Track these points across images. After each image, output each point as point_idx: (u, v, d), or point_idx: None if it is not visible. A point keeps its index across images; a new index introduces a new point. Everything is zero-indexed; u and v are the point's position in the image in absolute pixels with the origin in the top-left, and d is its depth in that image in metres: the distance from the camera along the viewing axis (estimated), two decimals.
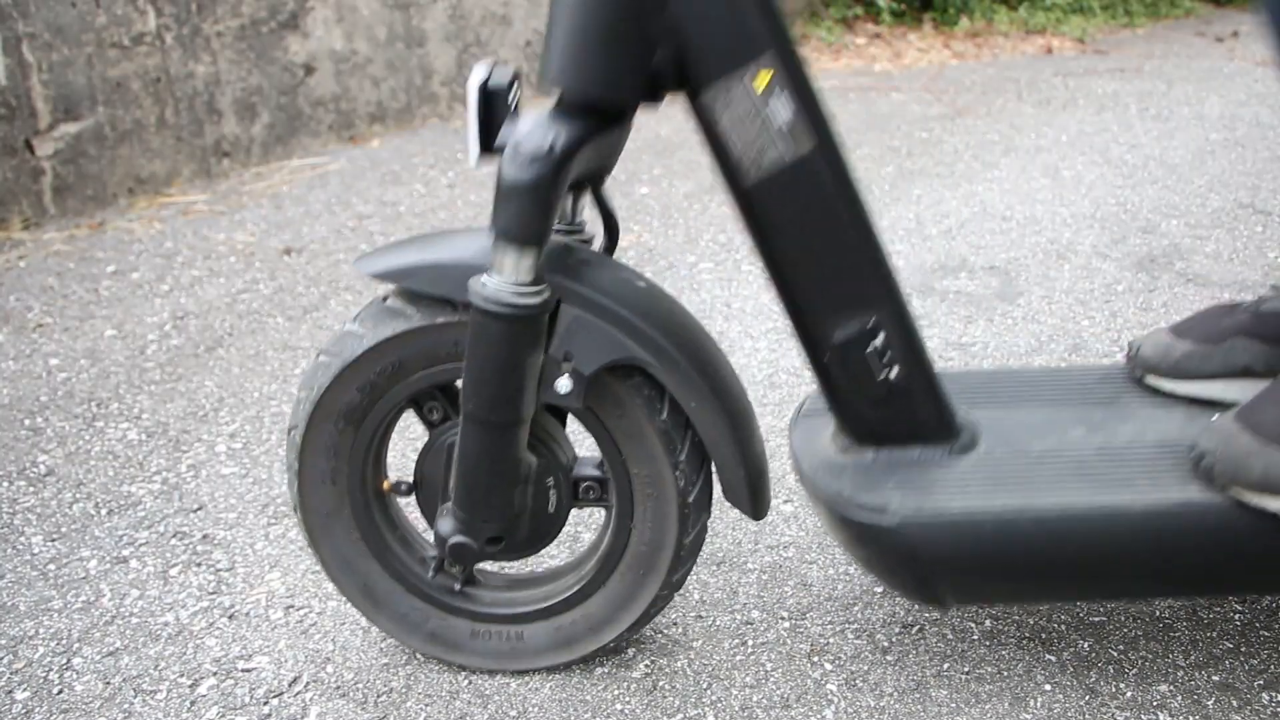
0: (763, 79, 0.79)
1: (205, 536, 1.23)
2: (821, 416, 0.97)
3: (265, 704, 0.97)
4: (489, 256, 0.83)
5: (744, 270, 2.04)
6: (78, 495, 1.33)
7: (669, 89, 0.82)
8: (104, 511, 1.29)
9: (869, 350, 0.86)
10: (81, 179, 2.44)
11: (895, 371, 0.87)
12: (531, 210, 0.79)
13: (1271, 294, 1.02)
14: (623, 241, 2.19)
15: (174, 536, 1.23)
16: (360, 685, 0.99)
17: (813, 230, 0.83)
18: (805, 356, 0.89)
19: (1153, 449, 0.91)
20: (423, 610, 0.98)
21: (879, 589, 1.11)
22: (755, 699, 0.96)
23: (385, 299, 0.91)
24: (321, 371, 0.91)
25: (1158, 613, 1.06)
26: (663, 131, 3.17)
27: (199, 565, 1.18)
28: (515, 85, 0.84)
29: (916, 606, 1.08)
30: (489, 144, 0.83)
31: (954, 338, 1.72)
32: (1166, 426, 0.95)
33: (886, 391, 0.88)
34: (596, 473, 0.95)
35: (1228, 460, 0.83)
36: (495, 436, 0.86)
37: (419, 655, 1.02)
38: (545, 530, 0.95)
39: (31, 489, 1.34)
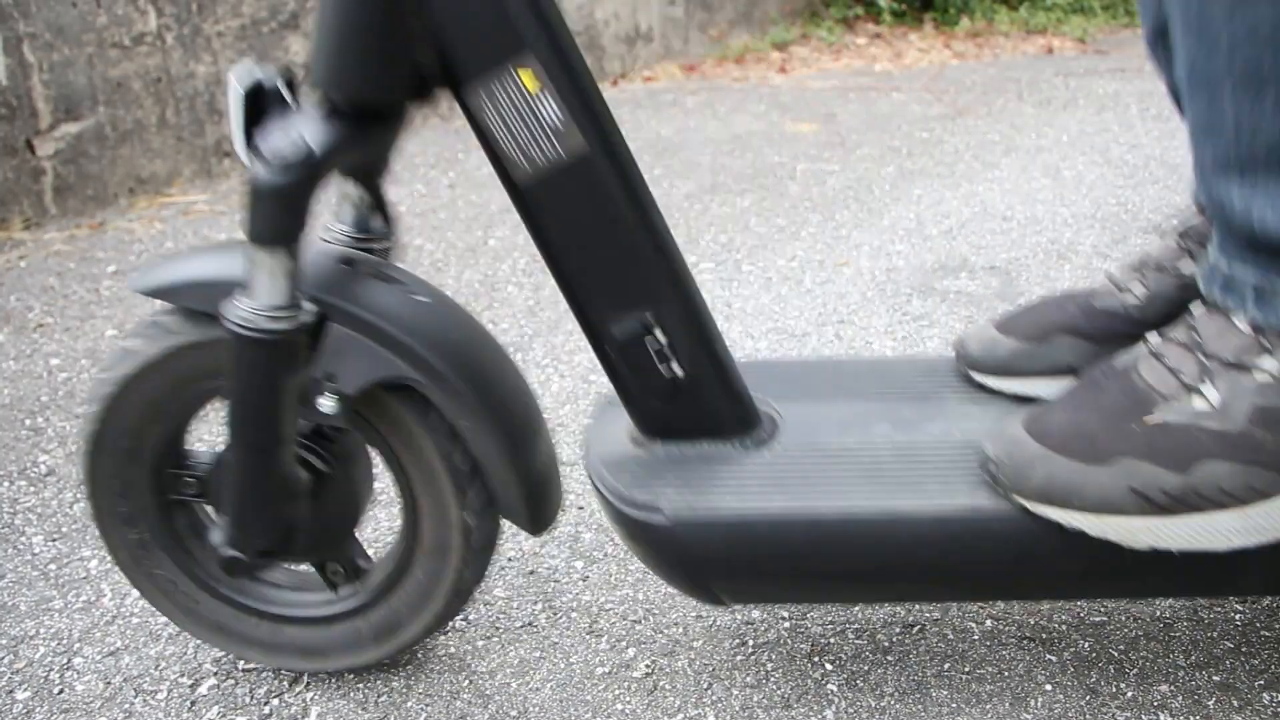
0: (529, 78, 0.78)
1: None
2: (619, 410, 0.94)
3: (266, 704, 0.97)
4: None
5: (744, 270, 2.04)
6: (79, 495, 1.32)
7: (436, 86, 0.81)
8: None
9: (651, 346, 0.85)
10: (82, 179, 2.44)
11: (680, 367, 0.86)
12: (281, 213, 0.77)
13: (1104, 288, 0.98)
14: None
15: None
16: (360, 685, 0.99)
17: (588, 230, 0.82)
18: (593, 352, 0.88)
19: (955, 450, 0.88)
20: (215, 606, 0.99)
21: None
22: (756, 699, 0.97)
23: (156, 315, 0.90)
24: (100, 387, 0.90)
25: (1158, 612, 1.06)
26: (664, 131, 3.17)
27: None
28: (290, 84, 0.81)
29: (917, 606, 1.08)
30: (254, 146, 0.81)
31: (954, 338, 1.71)
32: (976, 426, 0.91)
33: (672, 387, 0.87)
34: (353, 563, 0.96)
35: (1011, 467, 0.80)
36: (257, 456, 0.84)
37: (419, 655, 1.03)
38: (335, 536, 0.95)
39: (32, 489, 1.34)
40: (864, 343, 1.71)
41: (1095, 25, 5.23)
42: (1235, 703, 0.94)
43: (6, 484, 1.35)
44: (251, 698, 0.98)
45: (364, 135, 0.80)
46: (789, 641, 1.04)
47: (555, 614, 1.09)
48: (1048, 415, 0.82)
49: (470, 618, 1.08)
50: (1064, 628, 1.04)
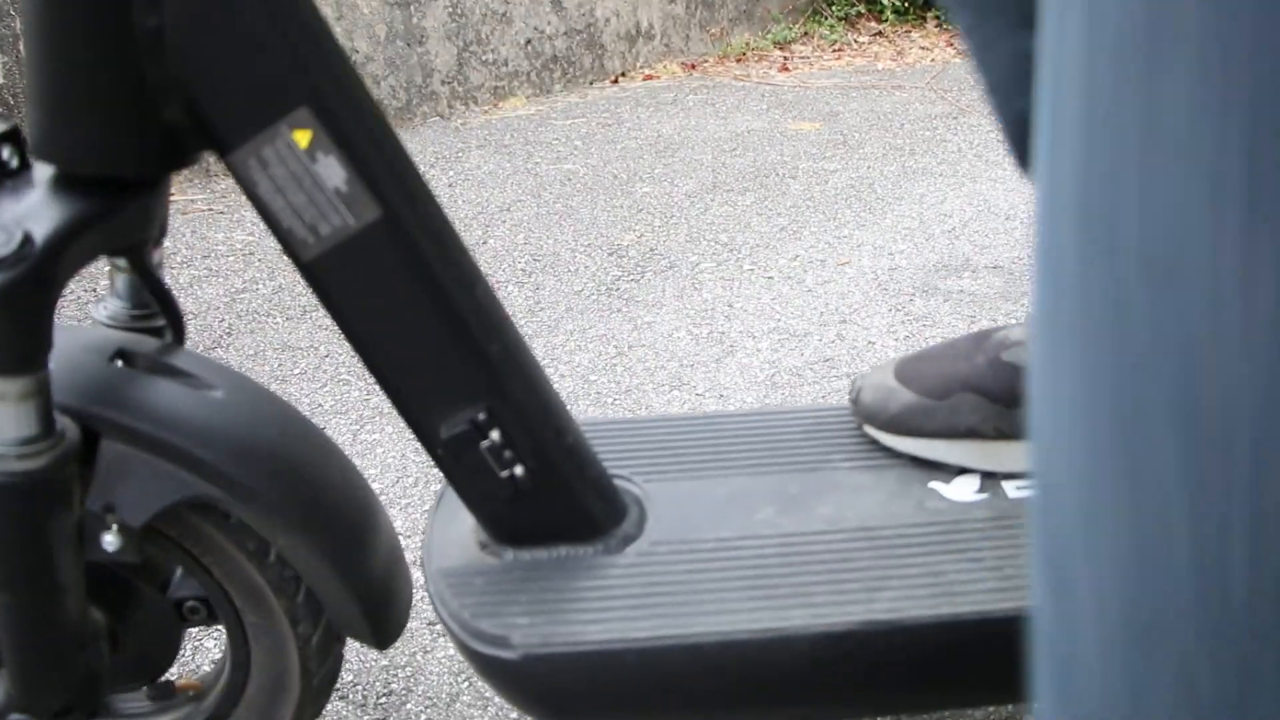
0: (303, 138, 0.64)
1: None
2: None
3: None
4: None
5: (745, 270, 2.03)
6: None
7: (195, 149, 0.66)
8: None
9: (484, 447, 0.72)
10: None
11: (519, 469, 0.73)
12: (13, 328, 0.61)
13: (1015, 336, 0.87)
14: (624, 241, 2.19)
15: None
16: (360, 687, 0.98)
17: (395, 313, 0.69)
18: (426, 453, 0.75)
19: (847, 541, 0.78)
20: None
21: None
22: None
23: None
24: None
25: None
26: (664, 130, 3.16)
27: None
28: (16, 142, 0.65)
29: None
30: None
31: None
32: (871, 504, 0.81)
33: (513, 490, 0.74)
34: (199, 592, 0.79)
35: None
36: (36, 609, 0.70)
37: (418, 657, 1.02)
38: (158, 658, 0.81)
39: None
40: (866, 342, 1.70)
41: None
42: None
43: None
44: None
45: (111, 212, 0.65)
46: None
47: None
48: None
49: None
50: None
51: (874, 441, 0.88)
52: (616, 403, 1.49)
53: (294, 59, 0.63)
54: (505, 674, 0.72)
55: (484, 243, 2.21)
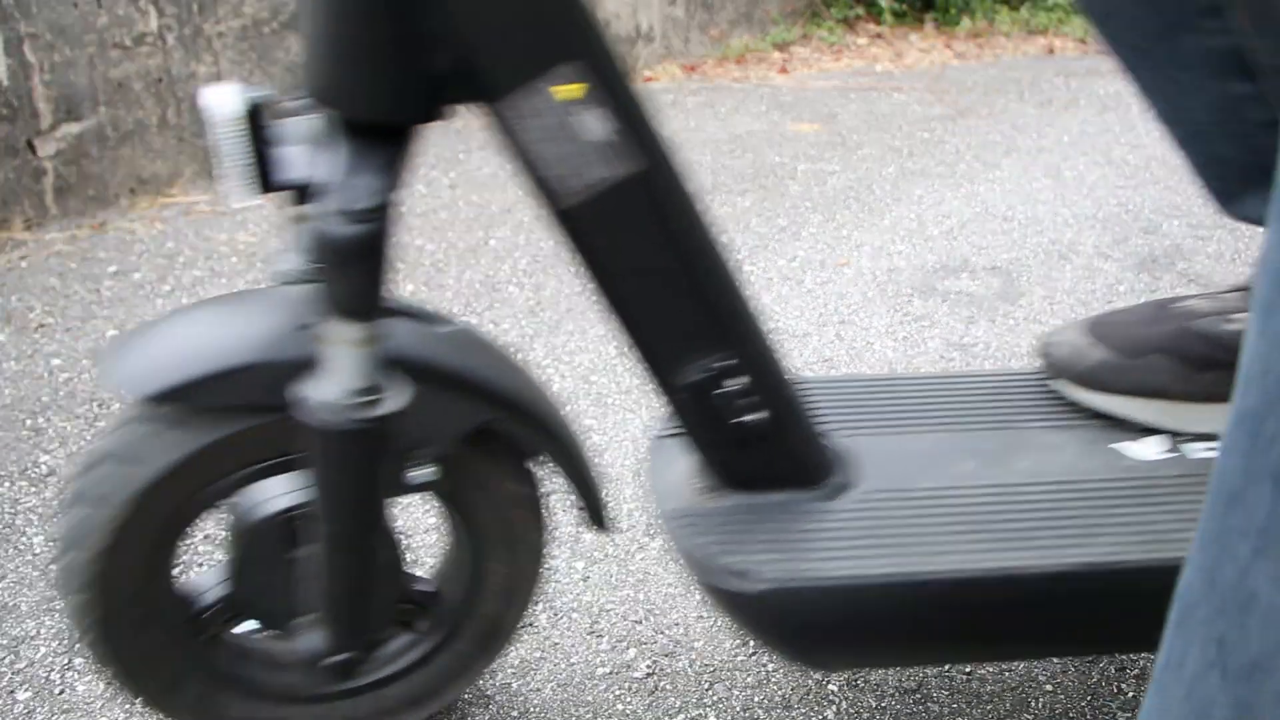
0: (572, 91, 0.67)
1: (206, 537, 1.23)
2: (681, 448, 0.87)
3: None
4: (283, 346, 0.71)
5: (745, 270, 2.04)
6: None
7: (459, 100, 0.69)
8: None
9: (722, 393, 0.77)
10: (83, 179, 2.45)
11: (753, 415, 0.78)
12: (374, 272, 0.66)
13: (1207, 308, 0.93)
14: None
15: None
16: None
17: (642, 262, 0.73)
18: (658, 397, 0.80)
19: (1051, 493, 0.82)
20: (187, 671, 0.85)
21: None
22: (757, 699, 0.96)
23: (140, 415, 0.74)
24: (84, 525, 0.76)
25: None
26: (664, 132, 3.17)
27: (200, 566, 1.18)
28: (278, 109, 0.70)
29: None
30: (267, 180, 0.69)
31: (955, 338, 1.72)
32: (1065, 460, 0.86)
33: (744, 436, 0.79)
34: (423, 595, 0.88)
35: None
36: (358, 552, 0.76)
37: None
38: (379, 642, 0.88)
39: (33, 489, 1.34)
40: (865, 343, 1.71)
41: None
42: None
43: (7, 484, 1.35)
44: None
45: (400, 162, 0.68)
46: None
47: (556, 614, 1.08)
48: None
49: None
50: None
51: (1061, 397, 0.93)
52: (617, 403, 1.49)
53: (564, 16, 0.66)
54: (747, 607, 0.77)
55: (485, 244, 2.22)
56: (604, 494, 0.87)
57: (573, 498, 0.85)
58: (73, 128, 2.41)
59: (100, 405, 1.55)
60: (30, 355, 1.74)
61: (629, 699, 0.97)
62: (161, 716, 0.86)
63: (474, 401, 0.77)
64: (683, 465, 0.85)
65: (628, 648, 1.03)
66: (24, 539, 1.24)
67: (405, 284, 2.00)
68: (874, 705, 0.95)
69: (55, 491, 1.34)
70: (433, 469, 0.77)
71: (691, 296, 0.75)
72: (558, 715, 0.95)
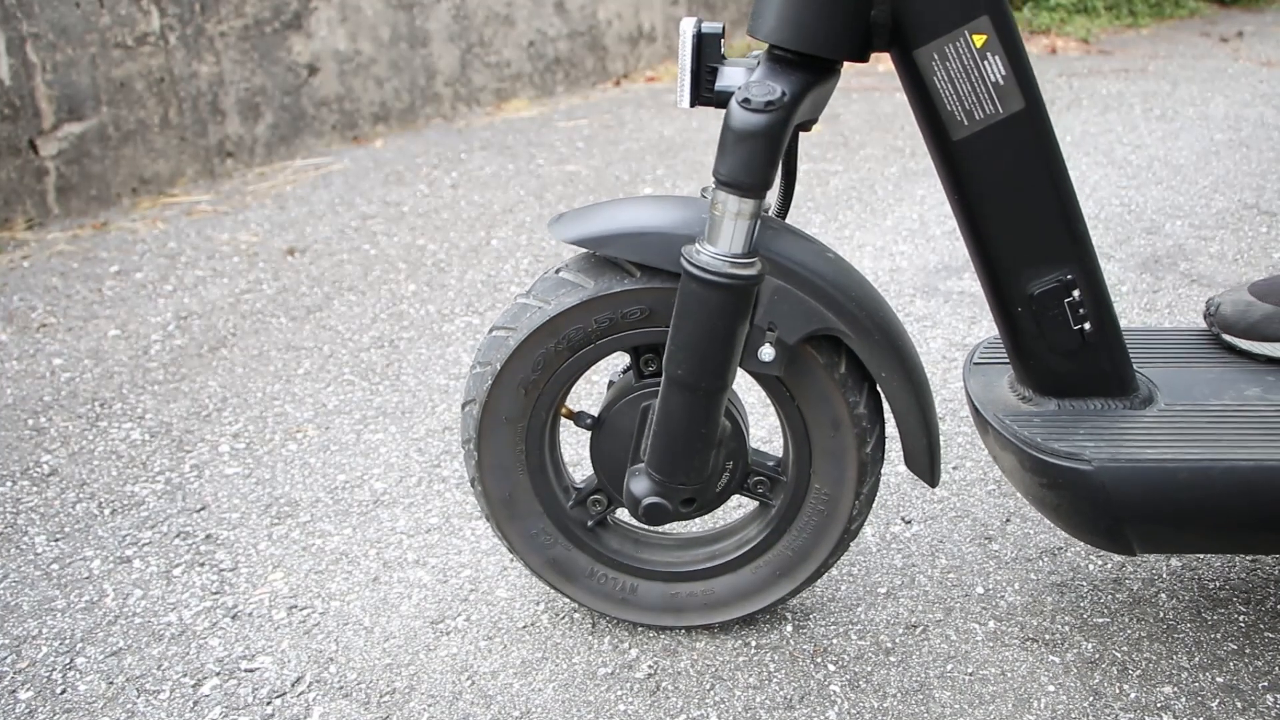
0: (979, 40, 0.82)
1: (208, 536, 1.23)
2: (995, 367, 1.02)
3: (268, 704, 0.97)
4: (688, 225, 0.87)
5: None
6: (81, 495, 1.33)
7: (880, 48, 0.84)
8: (107, 511, 1.29)
9: (1065, 303, 0.89)
10: (85, 179, 2.45)
11: (1088, 324, 0.90)
12: (761, 157, 0.80)
13: None
14: None
15: (177, 536, 1.24)
16: (363, 686, 0.99)
17: (1015, 186, 0.86)
18: (994, 308, 0.92)
19: None
20: (552, 535, 1.02)
21: (882, 589, 1.11)
22: (758, 700, 0.96)
23: (558, 271, 0.94)
24: (500, 346, 0.94)
25: (1161, 613, 1.06)
26: (666, 132, 3.17)
27: (202, 565, 1.18)
28: (723, 38, 0.86)
29: (920, 607, 1.07)
30: (699, 92, 0.86)
31: (958, 338, 1.71)
32: None
33: (1078, 344, 0.91)
34: (770, 470, 0.99)
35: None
36: (701, 401, 0.87)
37: (420, 655, 1.02)
38: (707, 503, 0.97)
39: (35, 489, 1.34)
40: None
41: (1099, 25, 5.22)
42: (1239, 704, 0.94)
43: (9, 484, 1.36)
44: (254, 697, 0.98)
45: (815, 86, 0.82)
46: (792, 642, 1.04)
47: (558, 615, 1.08)
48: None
49: (472, 618, 1.08)
50: (1066, 629, 1.04)
51: (1231, 348, 1.06)
52: None
53: None
54: (1078, 484, 0.88)
55: (487, 243, 2.22)
56: (939, 444, 0.95)
57: (901, 441, 0.93)
58: (75, 127, 2.41)
59: (102, 405, 1.55)
60: (32, 355, 1.74)
61: (630, 699, 0.97)
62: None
63: (821, 309, 0.88)
64: (999, 382, 1.00)
65: (629, 648, 1.03)
66: (26, 539, 1.24)
67: (407, 284, 2.00)
68: (876, 706, 0.95)
69: (57, 491, 1.34)
70: (774, 350, 0.88)
71: (1053, 217, 0.87)
72: (559, 715, 0.95)
